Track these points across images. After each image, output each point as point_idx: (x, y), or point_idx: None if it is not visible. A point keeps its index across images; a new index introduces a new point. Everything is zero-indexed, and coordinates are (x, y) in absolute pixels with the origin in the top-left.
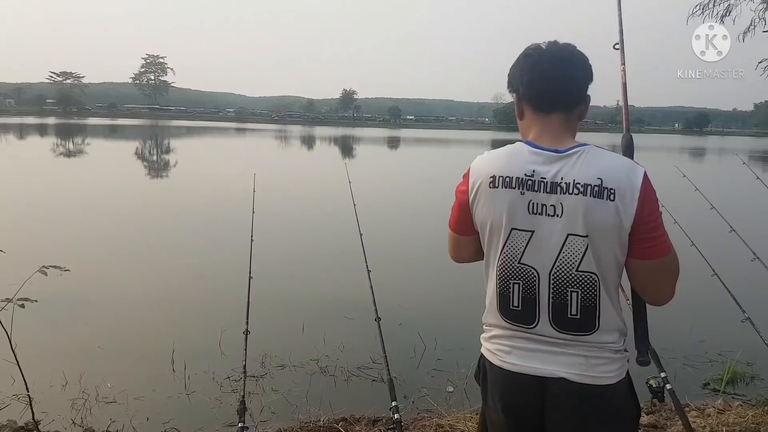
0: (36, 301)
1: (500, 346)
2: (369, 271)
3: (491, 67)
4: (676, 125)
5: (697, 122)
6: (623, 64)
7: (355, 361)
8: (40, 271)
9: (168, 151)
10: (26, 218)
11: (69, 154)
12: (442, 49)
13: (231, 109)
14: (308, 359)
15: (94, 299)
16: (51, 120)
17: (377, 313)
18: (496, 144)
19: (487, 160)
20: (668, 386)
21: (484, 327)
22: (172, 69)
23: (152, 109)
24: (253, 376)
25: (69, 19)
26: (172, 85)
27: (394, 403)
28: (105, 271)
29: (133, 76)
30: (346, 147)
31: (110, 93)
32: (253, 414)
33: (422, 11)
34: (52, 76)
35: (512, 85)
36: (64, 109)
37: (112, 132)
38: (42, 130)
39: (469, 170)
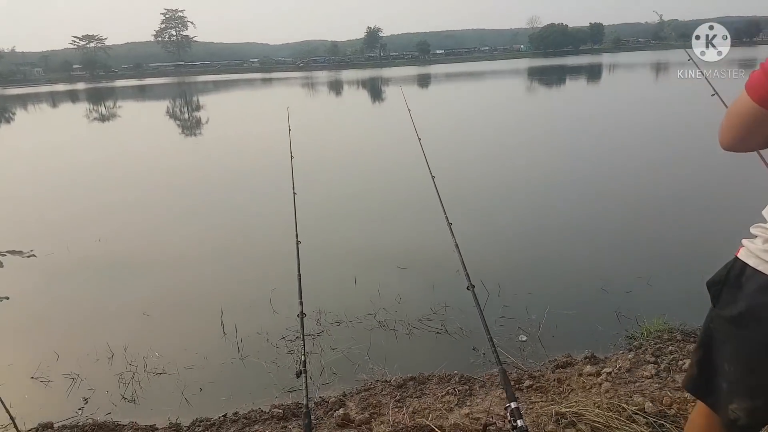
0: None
1: None
2: (450, 224)
3: None
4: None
5: (747, 32)
6: None
7: (414, 314)
8: None
9: (199, 108)
10: (64, 184)
11: (103, 118)
12: None
13: (255, 60)
14: (365, 314)
15: (133, 263)
16: (80, 85)
17: (470, 280)
18: (533, 72)
19: None
20: None
21: None
22: (192, 23)
23: (177, 66)
24: (309, 335)
25: None
26: (194, 39)
27: (513, 404)
28: (143, 234)
29: (155, 33)
30: (375, 89)
31: (134, 53)
32: (312, 376)
33: None
34: (75, 41)
35: None
36: (92, 73)
37: (142, 92)
38: (73, 96)
39: None
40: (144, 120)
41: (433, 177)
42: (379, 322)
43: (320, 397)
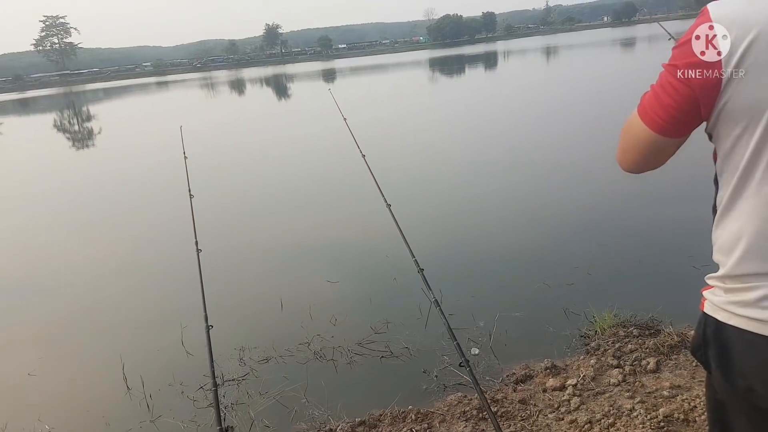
0: None
1: None
2: (389, 204)
3: None
4: (606, 18)
5: (625, 12)
6: None
7: (353, 336)
8: None
9: (88, 118)
10: None
11: None
12: None
13: (148, 63)
14: (296, 344)
15: (16, 303)
16: None
17: (460, 349)
18: (435, 63)
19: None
20: None
21: (730, 283)
22: (76, 29)
23: (63, 76)
24: (233, 380)
25: None
26: (79, 46)
27: None
28: (24, 265)
29: (35, 42)
30: (280, 86)
31: (12, 65)
32: None
33: None
34: None
35: None
36: None
37: (24, 106)
38: None
39: (709, 23)
40: (27, 135)
41: (389, 205)
42: (315, 353)
43: None
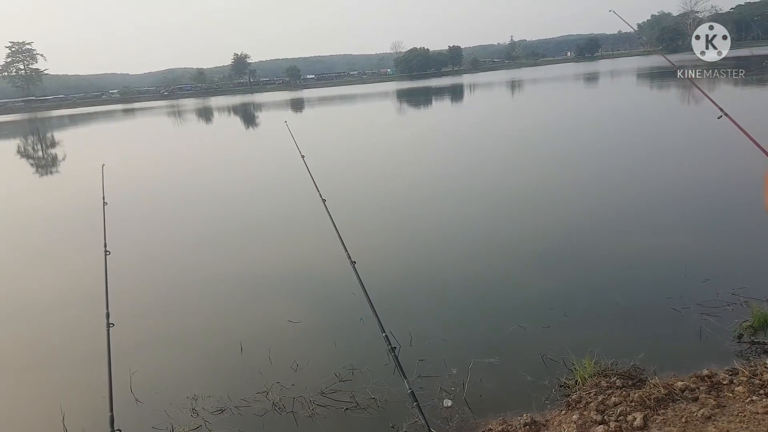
0: None
1: None
2: (353, 262)
3: (387, 15)
4: (569, 53)
5: (588, 48)
6: None
7: (315, 384)
8: None
9: (53, 144)
10: None
11: None
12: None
13: (114, 90)
14: (254, 393)
15: None
16: None
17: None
18: (402, 94)
19: None
20: None
21: None
22: (42, 55)
23: (27, 102)
24: None
25: None
26: (45, 72)
27: None
28: None
29: (0, 68)
30: (248, 115)
31: None
32: None
33: None
34: None
35: None
36: None
37: None
38: None
39: None
40: None
41: (353, 263)
42: (273, 403)
43: None
